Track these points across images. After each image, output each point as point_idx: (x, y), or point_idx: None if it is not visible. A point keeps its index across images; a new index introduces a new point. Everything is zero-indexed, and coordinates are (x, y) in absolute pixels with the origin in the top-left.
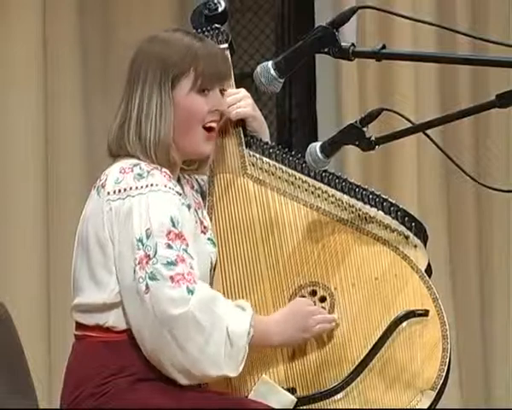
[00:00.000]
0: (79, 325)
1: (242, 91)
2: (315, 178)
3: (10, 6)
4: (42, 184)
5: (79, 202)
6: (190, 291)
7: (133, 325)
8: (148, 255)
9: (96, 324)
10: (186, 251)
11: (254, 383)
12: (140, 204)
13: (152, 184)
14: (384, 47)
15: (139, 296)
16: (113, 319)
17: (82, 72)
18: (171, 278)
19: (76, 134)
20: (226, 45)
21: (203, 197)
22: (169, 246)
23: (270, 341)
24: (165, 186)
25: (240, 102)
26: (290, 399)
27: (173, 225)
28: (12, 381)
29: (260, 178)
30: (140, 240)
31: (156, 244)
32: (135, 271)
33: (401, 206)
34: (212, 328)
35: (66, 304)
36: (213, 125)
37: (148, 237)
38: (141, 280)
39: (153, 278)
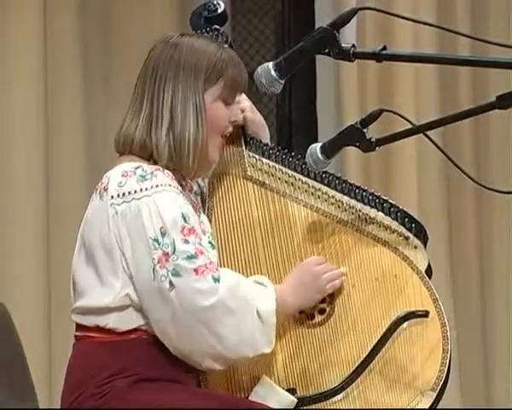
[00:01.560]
0: (79, 326)
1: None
2: (315, 180)
3: (10, 6)
4: (42, 184)
5: (79, 202)
6: (216, 280)
7: (157, 326)
8: (167, 253)
9: (96, 325)
10: (201, 244)
11: (254, 384)
12: (148, 206)
13: (157, 185)
14: (384, 48)
15: (162, 295)
16: (113, 322)
17: (82, 72)
18: (195, 270)
19: (76, 134)
20: (226, 47)
21: (203, 199)
22: (186, 241)
23: (286, 308)
24: (169, 185)
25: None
26: (290, 399)
27: (185, 221)
28: (12, 381)
29: (260, 179)
30: (155, 239)
31: (174, 241)
32: (154, 270)
33: (401, 207)
34: (243, 311)
35: (67, 304)
36: (226, 136)
37: (163, 235)
38: (163, 279)
39: (176, 274)
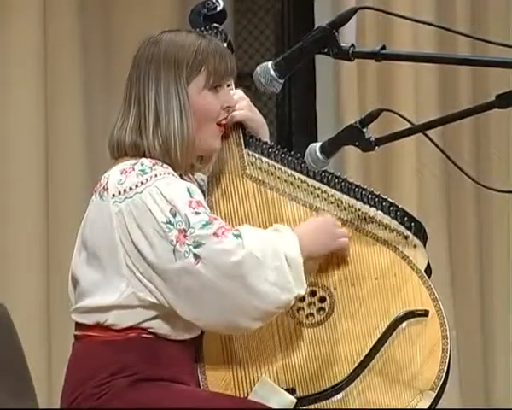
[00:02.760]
0: (79, 325)
1: (238, 93)
2: (314, 178)
3: (10, 6)
4: (42, 183)
5: (79, 202)
6: (238, 236)
7: (185, 305)
8: (184, 229)
9: (97, 322)
10: (212, 213)
11: (254, 384)
12: (151, 194)
13: (156, 175)
14: (384, 47)
15: (189, 272)
16: (113, 318)
17: (82, 72)
18: (215, 234)
19: (76, 134)
20: (225, 45)
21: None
22: (197, 213)
23: (307, 252)
24: (169, 174)
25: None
26: (290, 399)
27: (191, 196)
28: (12, 381)
29: (259, 177)
30: (168, 222)
31: (186, 216)
32: (175, 251)
33: (400, 206)
34: (273, 259)
35: (66, 304)
36: (225, 121)
37: (174, 214)
38: (186, 254)
39: (198, 245)
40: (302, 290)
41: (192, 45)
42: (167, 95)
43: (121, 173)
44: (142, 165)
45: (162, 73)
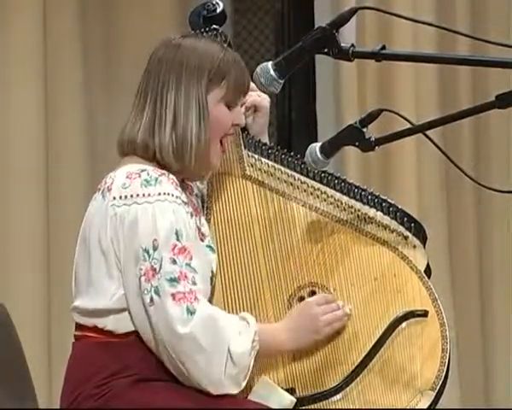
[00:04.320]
0: (79, 326)
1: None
2: (314, 179)
3: (10, 6)
4: (42, 184)
5: (80, 202)
6: (190, 312)
7: (140, 329)
8: (155, 269)
9: (95, 326)
10: (189, 265)
11: (254, 384)
12: (147, 213)
13: (159, 193)
14: (384, 47)
15: (144, 306)
16: (112, 324)
17: (82, 71)
18: (173, 295)
19: (76, 134)
20: (228, 48)
21: (202, 201)
22: (173, 261)
23: (282, 348)
24: (172, 196)
25: (257, 91)
26: (289, 399)
27: (177, 239)
28: (12, 381)
29: (259, 178)
30: (146, 250)
31: (162, 258)
32: (140, 281)
33: (400, 206)
34: (214, 349)
35: (67, 304)
36: (229, 137)
37: (154, 249)
38: (146, 292)
39: (157, 292)
40: (235, 390)
41: (216, 56)
42: (187, 98)
43: (127, 177)
44: (148, 175)
45: (183, 77)
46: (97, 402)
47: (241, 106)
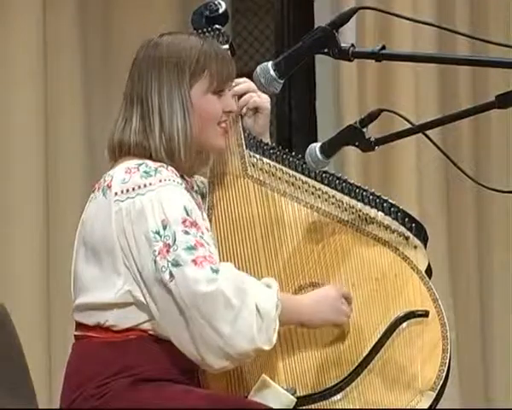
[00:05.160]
0: (79, 326)
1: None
2: (315, 179)
3: (10, 6)
4: (42, 184)
5: (79, 202)
6: (215, 271)
7: (162, 319)
8: (168, 244)
9: (97, 323)
10: (203, 238)
11: (254, 383)
12: (151, 200)
13: (160, 180)
14: (384, 48)
15: (165, 287)
16: (114, 318)
17: (82, 72)
18: (194, 261)
19: (76, 134)
20: (227, 46)
21: (202, 199)
22: (186, 232)
23: (301, 317)
24: (174, 181)
25: (258, 92)
26: (290, 399)
27: (187, 214)
28: (11, 381)
29: (260, 178)
30: (157, 232)
31: (174, 232)
32: (155, 262)
33: (401, 207)
34: (242, 304)
35: (67, 304)
36: (226, 124)
37: (164, 227)
38: (163, 269)
39: (175, 264)
40: (266, 347)
41: (194, 48)
42: (170, 97)
43: (125, 172)
44: (146, 166)
45: (164, 75)
46: (97, 402)
47: (235, 95)
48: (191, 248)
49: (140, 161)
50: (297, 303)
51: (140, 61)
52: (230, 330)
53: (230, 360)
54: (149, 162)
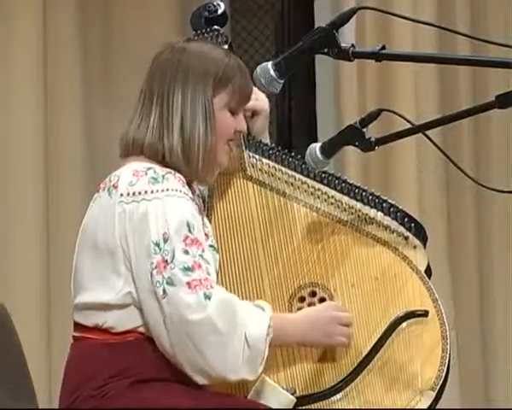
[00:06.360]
0: (78, 327)
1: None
2: (314, 179)
3: (10, 6)
4: (42, 184)
5: (79, 202)
6: (207, 297)
7: (152, 327)
8: (166, 260)
9: (95, 324)
10: (202, 257)
11: (254, 383)
12: (156, 208)
13: (168, 189)
14: (384, 48)
15: (157, 300)
16: (113, 320)
17: (82, 72)
18: (188, 284)
19: (76, 134)
20: (226, 47)
21: (203, 202)
22: (186, 252)
23: (291, 339)
24: (180, 192)
25: (257, 94)
26: (289, 399)
27: (189, 231)
28: (11, 382)
29: (260, 179)
30: (157, 244)
31: (174, 249)
32: (152, 274)
33: (400, 207)
34: (230, 333)
35: (67, 305)
36: (233, 143)
37: (165, 241)
38: (158, 285)
39: (170, 283)
40: (252, 377)
41: (221, 61)
42: (194, 102)
43: (133, 175)
44: (154, 172)
45: (190, 81)
46: (96, 403)
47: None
48: (188, 270)
49: (149, 165)
50: (289, 327)
51: (164, 61)
52: (217, 359)
53: (213, 380)
54: (157, 168)
